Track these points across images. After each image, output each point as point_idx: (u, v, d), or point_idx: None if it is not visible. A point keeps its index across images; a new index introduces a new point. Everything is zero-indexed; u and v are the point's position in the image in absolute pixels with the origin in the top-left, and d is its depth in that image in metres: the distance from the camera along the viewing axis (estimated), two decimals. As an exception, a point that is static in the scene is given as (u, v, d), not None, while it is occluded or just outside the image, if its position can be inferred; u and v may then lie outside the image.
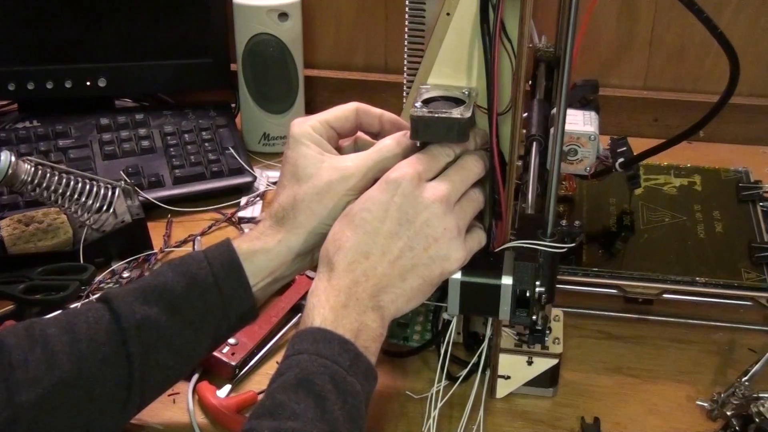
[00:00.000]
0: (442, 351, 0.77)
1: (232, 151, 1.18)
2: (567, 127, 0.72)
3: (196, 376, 0.83)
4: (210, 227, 1.08)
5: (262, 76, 1.22)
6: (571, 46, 0.66)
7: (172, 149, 1.18)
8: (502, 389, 0.81)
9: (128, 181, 1.06)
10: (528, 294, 0.71)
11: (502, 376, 0.81)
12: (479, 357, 0.79)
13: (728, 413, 0.77)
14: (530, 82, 0.95)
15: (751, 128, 1.26)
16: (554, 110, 0.80)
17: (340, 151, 0.77)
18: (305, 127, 0.75)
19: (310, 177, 0.72)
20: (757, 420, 0.75)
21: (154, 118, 1.24)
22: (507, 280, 0.71)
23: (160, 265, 0.73)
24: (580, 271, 0.91)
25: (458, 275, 0.71)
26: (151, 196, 1.10)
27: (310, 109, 1.28)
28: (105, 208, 1.00)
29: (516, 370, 0.80)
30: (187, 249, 1.03)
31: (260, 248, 0.73)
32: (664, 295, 0.90)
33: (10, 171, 0.92)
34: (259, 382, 0.83)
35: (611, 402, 0.81)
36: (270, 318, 0.88)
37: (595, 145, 0.87)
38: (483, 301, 0.72)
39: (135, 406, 0.70)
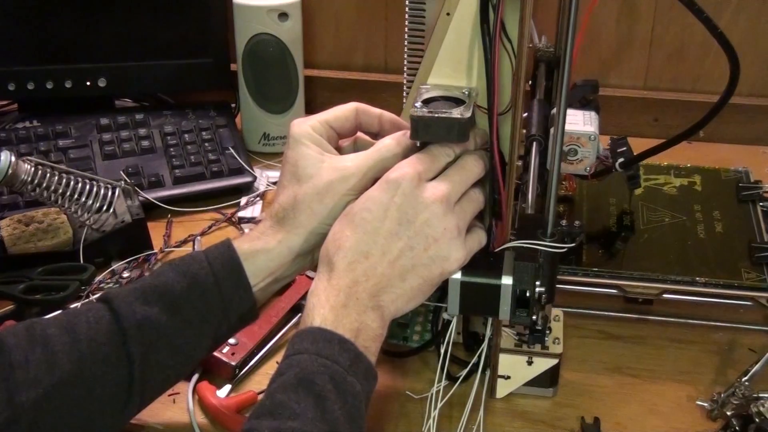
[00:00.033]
0: (442, 351, 0.77)
1: (232, 151, 1.18)
2: (567, 127, 0.72)
3: (196, 376, 0.83)
4: (210, 227, 1.08)
5: (262, 76, 1.22)
6: (571, 46, 0.66)
7: (172, 149, 1.18)
8: (502, 389, 0.81)
9: (128, 181, 1.06)
10: (528, 294, 0.71)
11: (502, 376, 0.81)
12: (479, 357, 0.79)
13: (728, 413, 0.77)
14: (530, 82, 0.95)
15: (751, 128, 1.26)
16: (554, 110, 0.80)
17: (339, 151, 0.77)
18: (305, 127, 0.75)
19: (310, 177, 0.72)
20: (757, 420, 0.75)
21: (154, 118, 1.24)
22: (507, 280, 0.71)
23: (161, 265, 0.73)
24: (580, 271, 0.91)
25: (458, 275, 0.71)
26: (151, 196, 1.10)
27: (310, 109, 1.28)
28: (105, 208, 1.00)
29: (516, 370, 0.80)
30: (187, 249, 1.03)
31: (260, 248, 0.73)
32: (664, 295, 0.90)
33: (10, 171, 0.92)
34: (259, 382, 0.83)
35: (611, 402, 0.81)
36: (270, 318, 0.88)
37: (595, 145, 0.87)
38: (483, 301, 0.72)
39: (135, 406, 0.70)
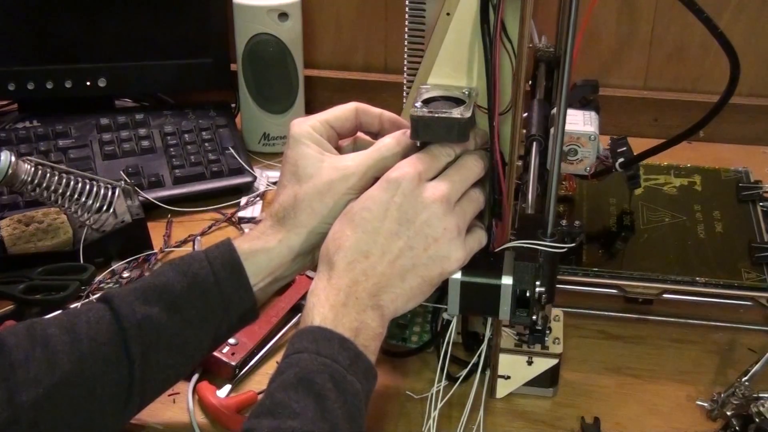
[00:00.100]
0: (442, 351, 0.77)
1: (232, 151, 1.18)
2: (567, 127, 0.72)
3: (196, 376, 0.83)
4: (210, 227, 1.08)
5: (262, 76, 1.22)
6: (571, 46, 0.66)
7: (172, 149, 1.18)
8: (502, 389, 0.81)
9: (128, 181, 1.06)
10: (528, 294, 0.71)
11: (502, 376, 0.81)
12: (479, 357, 0.79)
13: (728, 413, 0.77)
14: (530, 82, 0.95)
15: (751, 128, 1.26)
16: (554, 110, 0.80)
17: (339, 151, 0.77)
18: (305, 126, 0.75)
19: (310, 176, 0.72)
20: (757, 420, 0.75)
21: (154, 118, 1.24)
22: (507, 280, 0.71)
23: (161, 265, 0.73)
24: (580, 271, 0.91)
25: (458, 275, 0.71)
26: (151, 196, 1.10)
27: (310, 109, 1.28)
28: (105, 208, 1.00)
29: (516, 370, 0.80)
30: (187, 249, 1.03)
31: (261, 248, 0.73)
32: (664, 295, 0.90)
33: (10, 171, 0.92)
34: (259, 382, 0.83)
35: (611, 402, 0.81)
36: (270, 318, 0.88)
37: (595, 145, 0.87)
38: (483, 301, 0.72)
39: (135, 406, 0.70)
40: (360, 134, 0.79)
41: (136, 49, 1.23)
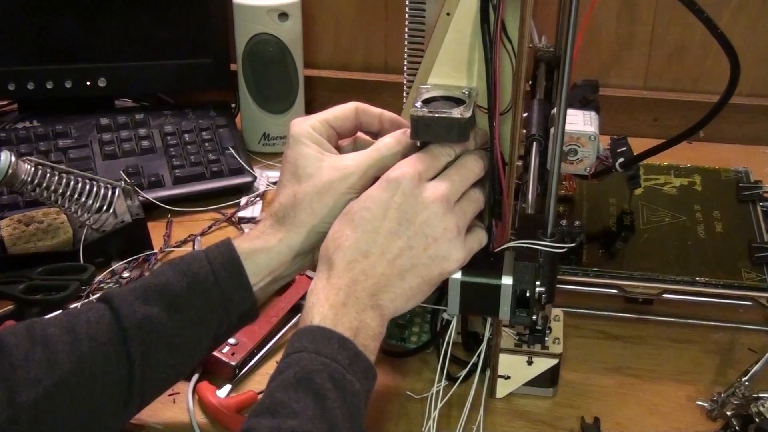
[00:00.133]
0: (442, 351, 0.77)
1: (232, 151, 1.18)
2: (567, 127, 0.72)
3: (196, 376, 0.83)
4: (210, 227, 1.08)
5: (262, 76, 1.22)
6: (571, 46, 0.66)
7: (172, 149, 1.18)
8: (502, 389, 0.81)
9: (128, 181, 1.06)
10: (528, 294, 0.71)
11: (502, 376, 0.81)
12: (479, 357, 0.79)
13: (728, 413, 0.77)
14: (530, 82, 0.95)
15: (751, 128, 1.26)
16: (554, 110, 0.80)
17: (339, 150, 0.77)
18: (305, 126, 0.75)
19: (310, 176, 0.72)
20: (757, 420, 0.75)
21: (154, 118, 1.24)
22: (507, 280, 0.71)
23: (161, 265, 0.73)
24: (580, 271, 0.91)
25: (458, 275, 0.71)
26: (151, 196, 1.10)
27: (310, 109, 1.28)
28: (105, 208, 1.00)
29: (516, 370, 0.80)
30: (187, 249, 1.03)
31: (261, 247, 0.73)
32: (664, 295, 0.90)
33: (10, 171, 0.92)
34: (259, 382, 0.83)
35: (611, 402, 0.81)
36: (270, 318, 0.88)
37: (595, 145, 0.87)
38: (483, 301, 0.72)
39: (135, 406, 0.70)
40: (360, 134, 0.79)
41: (136, 49, 1.23)
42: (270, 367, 0.85)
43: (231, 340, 0.83)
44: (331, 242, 0.69)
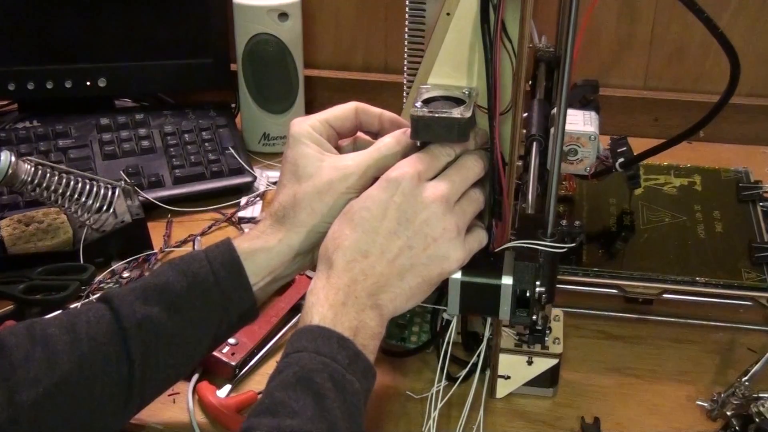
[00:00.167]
0: (442, 351, 0.77)
1: (232, 151, 1.18)
2: (567, 127, 0.72)
3: (196, 376, 0.83)
4: (210, 227, 1.08)
5: (262, 76, 1.22)
6: (571, 46, 0.66)
7: (172, 149, 1.18)
8: (502, 389, 0.81)
9: (128, 181, 1.06)
10: (528, 294, 0.71)
11: (502, 376, 0.81)
12: (479, 357, 0.79)
13: (728, 413, 0.77)
14: (530, 82, 0.95)
15: (751, 128, 1.26)
16: (554, 110, 0.80)
17: (339, 150, 0.77)
18: (305, 126, 0.75)
19: (310, 176, 0.72)
20: (757, 420, 0.75)
21: (154, 118, 1.24)
22: (507, 280, 0.71)
23: (161, 265, 0.73)
24: (580, 271, 0.91)
25: (458, 275, 0.71)
26: (151, 196, 1.10)
27: (310, 109, 1.28)
28: (105, 208, 1.00)
29: (516, 370, 0.80)
30: (187, 249, 1.03)
31: (261, 247, 0.73)
32: (664, 295, 0.90)
33: (10, 171, 0.92)
34: (259, 382, 0.83)
35: (611, 402, 0.81)
36: (270, 318, 0.88)
37: (595, 145, 0.87)
38: (483, 301, 0.72)
39: (135, 406, 0.70)
40: (360, 134, 0.79)
41: (136, 49, 1.23)
42: (270, 367, 0.85)
43: (231, 340, 0.83)
44: (331, 242, 0.69)
